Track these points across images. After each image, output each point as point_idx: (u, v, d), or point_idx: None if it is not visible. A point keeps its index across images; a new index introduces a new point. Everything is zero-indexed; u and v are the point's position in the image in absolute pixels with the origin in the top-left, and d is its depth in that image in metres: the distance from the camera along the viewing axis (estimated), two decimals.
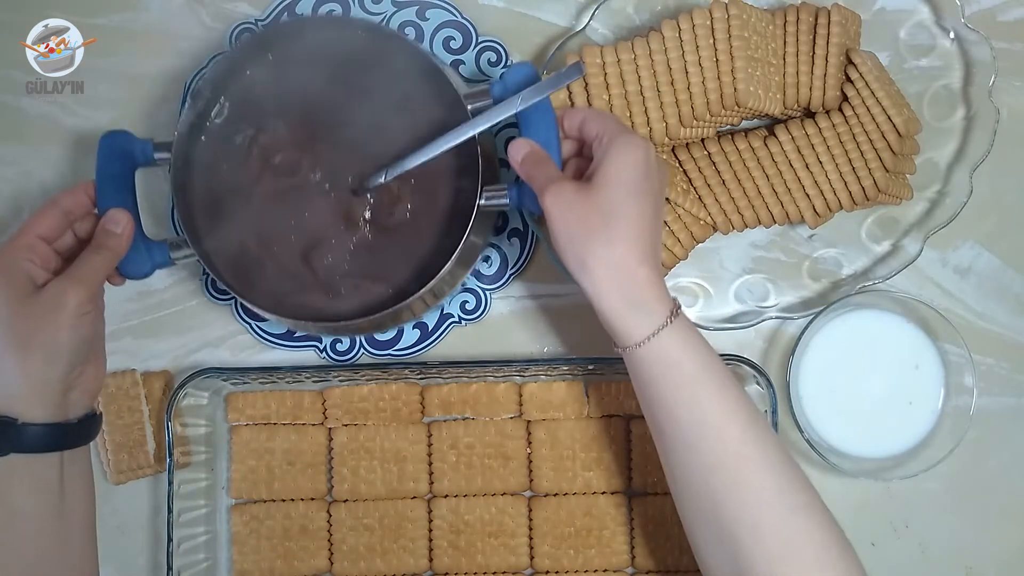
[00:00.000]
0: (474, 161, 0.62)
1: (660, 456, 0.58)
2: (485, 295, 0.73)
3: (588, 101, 0.67)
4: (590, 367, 0.70)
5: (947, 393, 0.70)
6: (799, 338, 0.69)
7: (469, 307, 0.73)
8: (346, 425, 0.72)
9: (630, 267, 0.55)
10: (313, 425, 0.72)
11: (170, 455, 0.68)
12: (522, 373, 0.71)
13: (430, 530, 0.71)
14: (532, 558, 0.70)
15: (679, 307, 0.56)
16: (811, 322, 0.69)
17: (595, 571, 0.70)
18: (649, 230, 0.56)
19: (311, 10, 0.75)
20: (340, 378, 0.72)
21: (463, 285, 0.72)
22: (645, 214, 0.56)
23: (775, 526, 0.53)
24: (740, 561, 0.54)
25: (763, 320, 0.71)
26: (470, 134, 0.60)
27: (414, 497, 0.71)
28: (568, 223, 0.56)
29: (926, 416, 0.70)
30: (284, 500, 0.72)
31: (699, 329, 0.71)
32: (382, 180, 0.63)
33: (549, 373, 0.71)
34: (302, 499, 0.72)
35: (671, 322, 0.55)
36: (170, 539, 0.67)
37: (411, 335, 0.73)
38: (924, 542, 0.71)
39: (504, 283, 0.73)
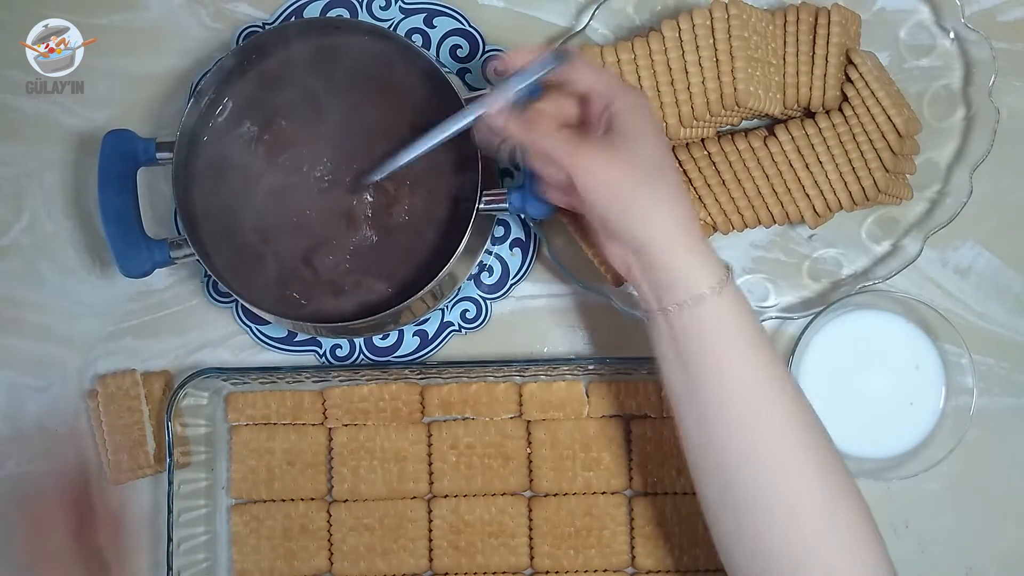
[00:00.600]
0: (474, 164, 0.62)
1: (682, 432, 0.56)
2: (486, 304, 0.73)
3: None
4: (590, 367, 0.70)
5: (947, 393, 0.70)
6: (799, 338, 0.69)
7: (469, 316, 0.73)
8: (346, 425, 0.72)
9: (675, 226, 0.53)
10: (313, 425, 0.72)
11: (170, 455, 0.68)
12: (522, 373, 0.71)
13: (430, 530, 0.71)
14: (532, 558, 0.70)
15: (726, 282, 0.54)
16: (811, 322, 0.69)
17: (595, 571, 0.70)
18: (684, 189, 0.55)
19: (319, 15, 0.74)
20: (340, 378, 0.72)
21: (461, 289, 0.72)
22: (676, 168, 0.56)
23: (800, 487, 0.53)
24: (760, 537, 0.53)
25: (763, 320, 0.71)
26: (464, 123, 0.58)
27: (414, 497, 0.71)
28: (611, 185, 0.53)
29: (926, 416, 0.70)
30: (284, 500, 0.72)
31: None
32: (379, 176, 0.62)
33: (549, 373, 0.71)
34: (302, 499, 0.72)
35: (711, 293, 0.53)
36: (170, 539, 0.67)
37: (411, 342, 0.73)
38: (924, 542, 0.71)
39: (505, 292, 0.73)
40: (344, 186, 0.65)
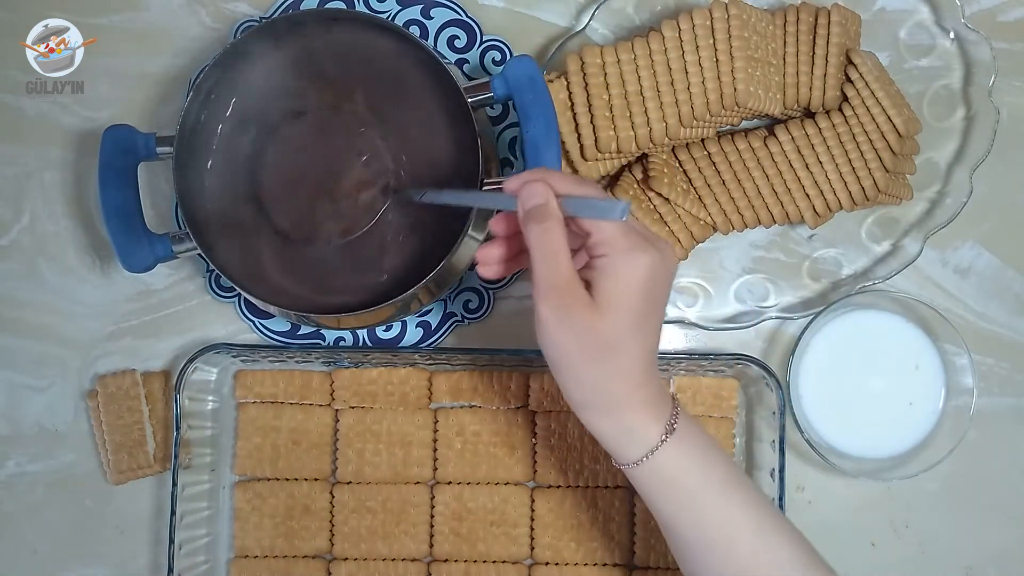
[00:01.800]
0: (474, 154, 0.62)
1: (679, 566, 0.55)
2: (488, 294, 0.73)
3: (588, 101, 0.67)
4: None
5: (947, 393, 0.70)
6: (799, 338, 0.69)
7: (472, 306, 0.73)
8: (353, 407, 0.72)
9: (626, 396, 0.51)
10: (320, 406, 0.72)
11: (177, 428, 0.68)
12: (531, 364, 0.71)
13: (432, 516, 0.71)
14: (533, 548, 0.71)
15: (676, 417, 0.52)
16: (811, 322, 0.69)
17: (595, 564, 0.70)
18: (651, 350, 0.51)
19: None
20: (350, 360, 0.72)
21: (463, 280, 0.72)
22: (649, 339, 0.51)
23: None
24: None
25: (763, 320, 0.71)
26: (506, 206, 0.53)
27: (417, 482, 0.72)
28: (565, 344, 0.49)
29: (926, 416, 0.70)
30: (288, 479, 0.72)
31: (699, 329, 0.71)
32: (416, 198, 0.62)
33: None
34: (306, 479, 0.72)
35: (666, 439, 0.51)
36: (173, 512, 0.68)
37: (414, 333, 0.73)
38: (924, 542, 0.71)
39: (507, 283, 0.73)
40: (344, 177, 0.65)
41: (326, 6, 0.74)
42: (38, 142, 0.76)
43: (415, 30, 0.74)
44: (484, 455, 0.71)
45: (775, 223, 0.69)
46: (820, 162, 0.68)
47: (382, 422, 0.71)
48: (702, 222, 0.69)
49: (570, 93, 0.67)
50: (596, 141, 0.67)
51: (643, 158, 0.70)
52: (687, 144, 0.70)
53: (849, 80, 0.67)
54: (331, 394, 0.72)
